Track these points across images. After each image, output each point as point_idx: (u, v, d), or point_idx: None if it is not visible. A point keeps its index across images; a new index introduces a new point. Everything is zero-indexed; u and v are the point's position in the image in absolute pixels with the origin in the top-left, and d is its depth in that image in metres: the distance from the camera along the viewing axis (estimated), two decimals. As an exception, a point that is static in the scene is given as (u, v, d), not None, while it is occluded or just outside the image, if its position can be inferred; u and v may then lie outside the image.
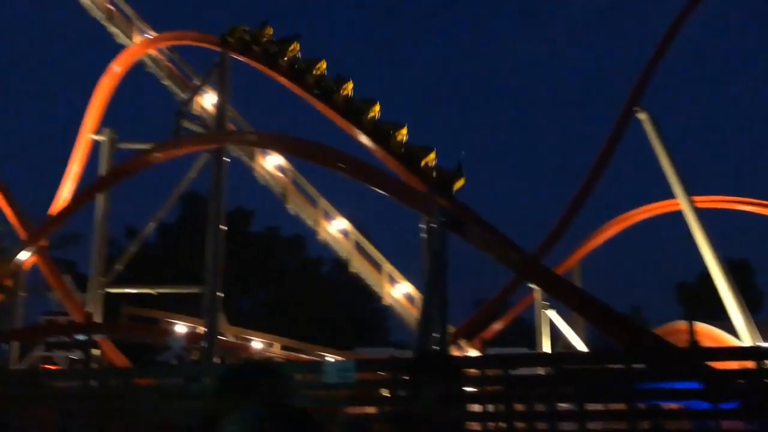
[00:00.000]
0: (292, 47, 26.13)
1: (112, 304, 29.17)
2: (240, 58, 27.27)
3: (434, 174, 22.68)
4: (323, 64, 25.68)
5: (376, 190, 21.06)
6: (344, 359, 22.06)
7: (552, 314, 27.97)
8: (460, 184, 22.60)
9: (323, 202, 28.26)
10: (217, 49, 26.94)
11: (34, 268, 27.32)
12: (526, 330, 44.13)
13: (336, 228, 28.14)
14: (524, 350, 31.94)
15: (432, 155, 22.96)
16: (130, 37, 29.62)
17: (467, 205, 21.88)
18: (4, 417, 15.14)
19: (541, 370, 15.58)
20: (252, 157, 28.66)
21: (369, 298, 41.71)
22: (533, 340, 29.72)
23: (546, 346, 27.82)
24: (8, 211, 25.62)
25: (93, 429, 15.06)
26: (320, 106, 25.02)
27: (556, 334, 28.61)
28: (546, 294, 26.16)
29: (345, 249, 27.96)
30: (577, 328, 28.03)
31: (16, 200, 25.92)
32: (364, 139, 24.11)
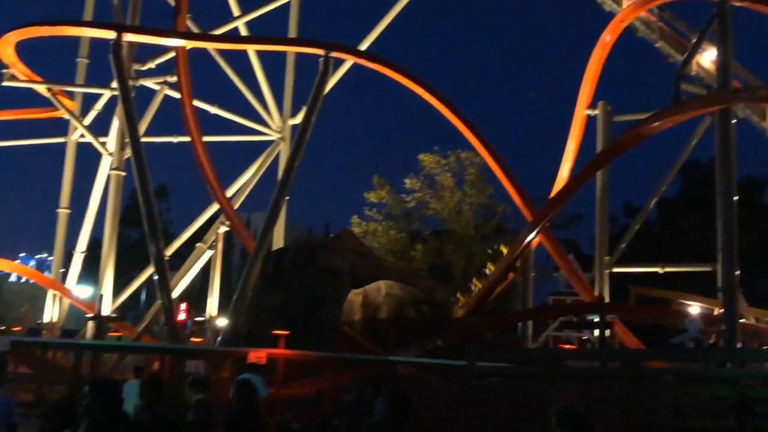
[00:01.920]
0: None
1: (616, 283, 29.89)
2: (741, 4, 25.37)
3: None
4: None
5: None
6: None
7: None
8: None
9: None
10: (715, -1, 25.42)
11: (540, 249, 29.48)
12: None
13: None
14: None
15: None
16: (618, 3, 29.85)
17: None
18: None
19: None
20: (764, 117, 26.48)
21: None
22: None
23: None
24: (513, 194, 28.04)
25: (616, 409, 15.57)
26: None
27: None
28: None
29: None
30: None
31: (519, 182, 28.24)
32: None
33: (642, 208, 32.51)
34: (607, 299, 27.36)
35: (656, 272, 29.83)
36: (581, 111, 29.74)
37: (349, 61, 31.14)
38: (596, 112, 29.56)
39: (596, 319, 23.24)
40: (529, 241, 26.34)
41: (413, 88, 27.89)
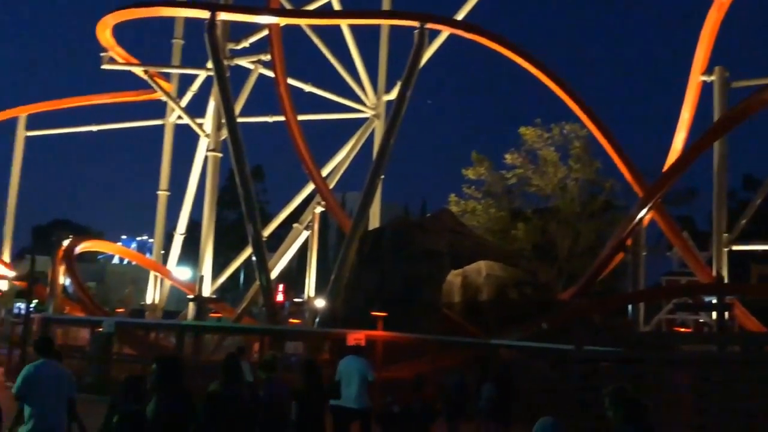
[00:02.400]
0: None
1: (736, 262, 28.80)
2: None
3: None
4: None
5: None
6: None
7: None
8: None
9: None
10: None
11: (652, 226, 28.67)
12: None
13: None
14: None
15: None
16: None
17: None
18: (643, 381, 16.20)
19: None
20: None
21: None
22: None
23: None
24: (623, 168, 27.34)
25: (735, 396, 15.08)
26: None
27: None
28: None
29: None
30: None
31: (628, 155, 27.50)
32: None
33: (764, 181, 31.09)
34: (725, 279, 26.42)
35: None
36: (696, 77, 28.65)
37: (445, 32, 30.97)
38: (712, 78, 28.45)
39: (714, 301, 22.49)
40: (641, 218, 25.67)
41: (514, 58, 27.50)
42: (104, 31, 33.03)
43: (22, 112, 40.38)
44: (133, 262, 47.66)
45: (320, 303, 27.48)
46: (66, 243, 31.51)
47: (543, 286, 24.98)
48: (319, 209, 31.26)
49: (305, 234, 32.33)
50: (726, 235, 27.50)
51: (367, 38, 38.04)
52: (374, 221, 33.94)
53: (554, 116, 40.63)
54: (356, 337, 18.78)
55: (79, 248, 33.87)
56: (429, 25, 27.42)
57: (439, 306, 22.88)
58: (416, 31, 27.09)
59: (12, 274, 36.15)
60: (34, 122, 41.04)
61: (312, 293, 30.71)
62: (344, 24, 34.17)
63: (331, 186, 32.87)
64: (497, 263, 24.54)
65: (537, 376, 18.27)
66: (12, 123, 40.36)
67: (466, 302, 24.25)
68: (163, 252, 38.89)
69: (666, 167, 27.51)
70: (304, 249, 33.16)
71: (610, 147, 27.36)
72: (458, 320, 22.98)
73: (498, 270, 24.39)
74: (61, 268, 30.38)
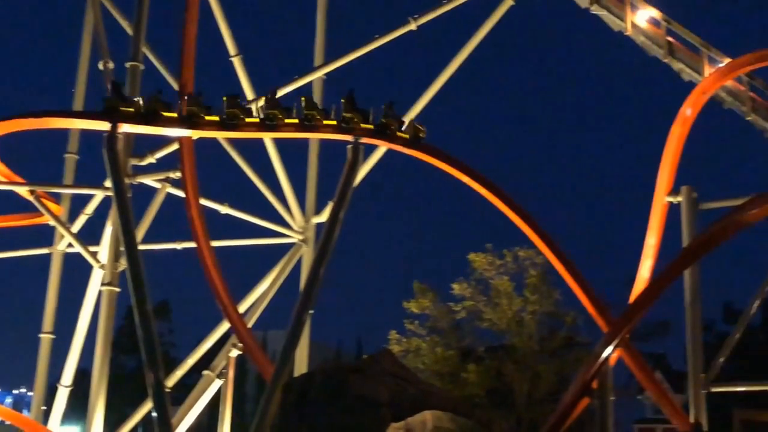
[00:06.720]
0: None
1: (715, 406, 29.46)
2: None
3: None
4: None
5: None
6: None
7: None
8: None
9: None
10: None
11: (619, 366, 29.31)
12: None
13: None
14: None
15: None
16: (699, 72, 30.62)
17: None
18: None
19: None
20: None
21: None
22: None
23: None
24: (584, 300, 28.13)
25: None
26: None
27: None
28: None
29: None
30: None
31: (591, 285, 28.33)
32: None
33: (744, 311, 32.24)
34: (704, 427, 27.00)
35: (766, 391, 29.38)
36: (661, 198, 30.04)
37: (383, 147, 31.88)
38: (679, 199, 29.82)
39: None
40: (606, 357, 26.29)
41: (460, 177, 28.40)
42: (-17, 146, 33.13)
43: None
44: (8, 422, 45.98)
45: (237, 465, 27.01)
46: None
47: (499, 439, 25.15)
48: (235, 352, 30.97)
49: (218, 383, 31.91)
50: (703, 375, 28.25)
51: (294, 151, 38.86)
52: (301, 366, 33.85)
53: (507, 241, 41.49)
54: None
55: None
56: (364, 140, 28.34)
57: (378, 466, 22.74)
58: (349, 146, 27.96)
59: None
60: None
61: (227, 455, 30.14)
62: (268, 137, 34.98)
63: (250, 324, 32.78)
64: (446, 413, 24.62)
65: None
66: None
67: (411, 460, 24.15)
68: (44, 408, 37.79)
69: (632, 298, 28.40)
70: (216, 401, 32.65)
71: (570, 276, 28.16)
72: (400, 483, 22.84)
73: (446, 422, 24.47)
74: None
